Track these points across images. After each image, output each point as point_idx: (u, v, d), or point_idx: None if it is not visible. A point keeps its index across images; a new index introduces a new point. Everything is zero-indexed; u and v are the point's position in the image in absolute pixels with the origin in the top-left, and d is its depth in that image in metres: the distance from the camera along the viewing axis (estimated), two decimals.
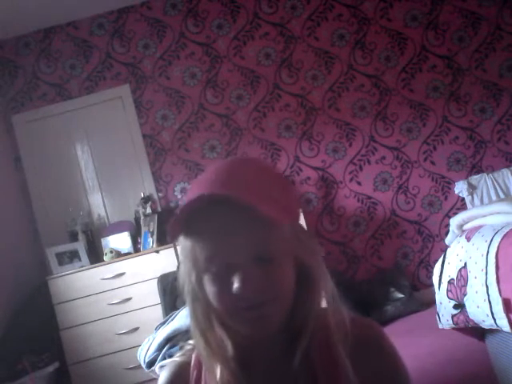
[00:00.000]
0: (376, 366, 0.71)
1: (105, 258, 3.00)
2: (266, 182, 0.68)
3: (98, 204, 3.51)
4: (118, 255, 3.01)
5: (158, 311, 2.40)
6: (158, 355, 1.76)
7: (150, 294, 2.73)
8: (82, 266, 2.98)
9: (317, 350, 0.70)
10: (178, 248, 0.68)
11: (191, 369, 0.76)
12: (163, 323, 1.89)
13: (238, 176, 0.66)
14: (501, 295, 1.29)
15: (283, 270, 0.66)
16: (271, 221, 0.62)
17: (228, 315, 0.67)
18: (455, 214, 3.14)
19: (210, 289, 0.66)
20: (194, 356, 0.76)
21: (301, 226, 0.73)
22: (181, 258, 0.71)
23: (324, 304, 0.73)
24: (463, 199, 3.41)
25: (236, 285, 0.63)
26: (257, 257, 0.64)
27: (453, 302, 1.56)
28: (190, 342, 0.78)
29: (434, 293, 1.75)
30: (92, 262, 3.02)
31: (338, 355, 0.69)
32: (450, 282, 1.60)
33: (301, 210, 0.66)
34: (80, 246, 3.06)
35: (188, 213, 0.64)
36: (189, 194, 0.70)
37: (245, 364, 0.71)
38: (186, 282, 0.71)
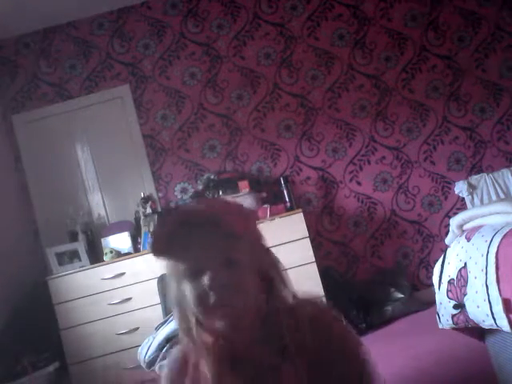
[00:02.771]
0: (328, 342, 0.85)
1: (105, 258, 3.00)
2: (229, 208, 0.90)
3: (98, 204, 3.51)
4: (118, 255, 3.01)
5: (158, 311, 2.40)
6: (158, 355, 1.76)
7: (150, 294, 2.73)
8: (82, 266, 2.98)
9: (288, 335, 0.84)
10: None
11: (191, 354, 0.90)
12: (163, 323, 1.90)
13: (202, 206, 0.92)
14: (501, 295, 1.29)
15: (246, 273, 0.83)
16: (234, 234, 0.82)
17: (205, 315, 0.82)
18: (455, 214, 3.14)
19: (189, 294, 0.82)
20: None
21: (263, 245, 0.93)
22: (166, 272, 0.88)
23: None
24: (463, 199, 3.41)
25: (206, 282, 0.80)
26: (224, 261, 0.81)
27: (453, 302, 1.56)
28: None
29: (434, 293, 1.75)
30: (92, 262, 3.02)
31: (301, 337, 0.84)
32: (449, 282, 1.60)
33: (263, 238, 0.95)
34: (80, 246, 3.06)
35: (168, 235, 0.83)
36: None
37: (227, 357, 0.84)
38: (171, 290, 0.87)
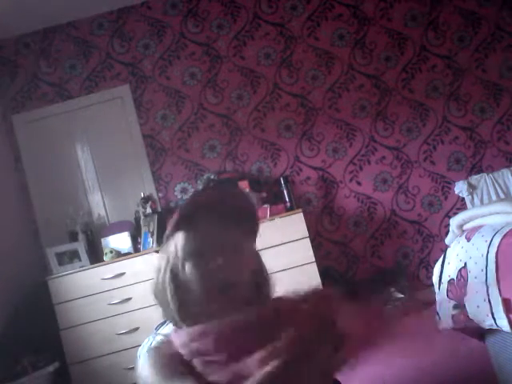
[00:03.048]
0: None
1: (105, 258, 3.00)
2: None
3: (98, 204, 3.51)
4: (118, 255, 3.01)
5: (158, 311, 2.39)
6: None
7: (150, 294, 2.72)
8: (82, 266, 2.98)
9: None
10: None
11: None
12: (163, 323, 1.89)
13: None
14: (501, 295, 1.29)
15: (248, 262, 0.90)
16: (255, 229, 0.92)
17: (205, 294, 0.85)
18: (455, 214, 3.14)
19: (193, 272, 0.85)
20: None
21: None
22: (168, 252, 0.90)
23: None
24: (463, 199, 3.41)
25: (215, 263, 0.84)
26: (231, 249, 0.86)
27: (453, 302, 1.56)
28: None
29: (434, 293, 1.75)
30: (92, 262, 3.02)
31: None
32: (449, 282, 1.60)
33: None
34: (80, 246, 3.06)
35: (182, 217, 0.89)
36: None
37: None
38: (167, 271, 0.90)
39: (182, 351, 0.85)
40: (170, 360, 0.84)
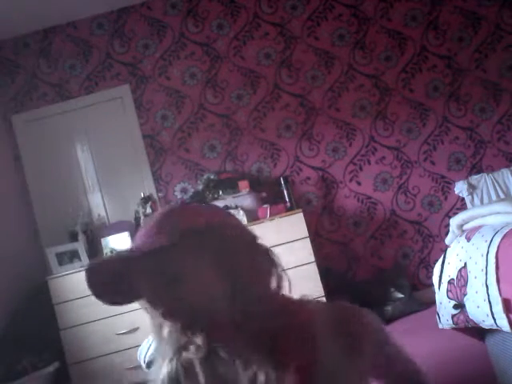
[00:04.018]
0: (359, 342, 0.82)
1: None
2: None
3: (98, 204, 3.51)
4: None
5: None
6: None
7: None
8: (82, 266, 2.97)
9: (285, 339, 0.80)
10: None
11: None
12: None
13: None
14: (501, 295, 1.30)
15: (195, 286, 0.81)
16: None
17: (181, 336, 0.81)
18: (455, 214, 3.14)
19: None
20: None
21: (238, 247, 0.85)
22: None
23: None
24: (463, 199, 3.41)
25: (160, 312, 0.82)
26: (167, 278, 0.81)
27: (453, 302, 1.56)
28: None
29: (434, 293, 1.75)
30: None
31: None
32: (450, 282, 1.60)
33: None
34: (80, 246, 3.06)
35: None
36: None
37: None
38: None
39: None
40: None
